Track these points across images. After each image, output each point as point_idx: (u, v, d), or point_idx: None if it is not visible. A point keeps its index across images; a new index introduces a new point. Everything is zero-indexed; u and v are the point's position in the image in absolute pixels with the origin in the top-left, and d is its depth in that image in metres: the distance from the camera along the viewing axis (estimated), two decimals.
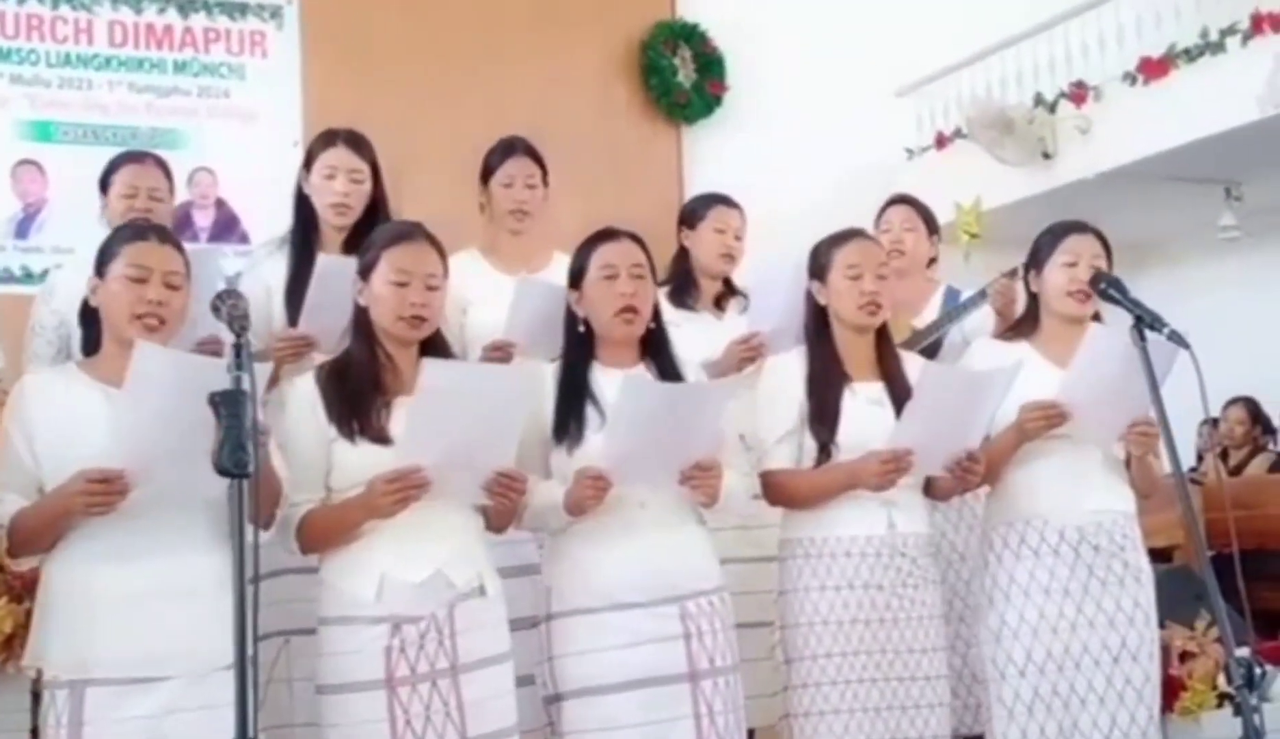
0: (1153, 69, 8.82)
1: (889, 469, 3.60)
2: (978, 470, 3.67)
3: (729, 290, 4.70)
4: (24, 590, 5.01)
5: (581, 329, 3.57)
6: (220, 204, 8.17)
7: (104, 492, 2.96)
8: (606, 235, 3.61)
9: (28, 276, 7.25)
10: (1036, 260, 3.92)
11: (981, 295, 4.60)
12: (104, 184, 4.35)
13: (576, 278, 3.59)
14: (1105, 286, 3.66)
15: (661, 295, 3.84)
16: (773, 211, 7.74)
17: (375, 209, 4.23)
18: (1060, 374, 3.78)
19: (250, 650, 2.57)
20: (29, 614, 5.04)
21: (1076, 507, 3.79)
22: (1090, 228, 3.92)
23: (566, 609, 3.46)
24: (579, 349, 3.57)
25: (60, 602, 3.12)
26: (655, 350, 3.60)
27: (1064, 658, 3.73)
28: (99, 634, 3.05)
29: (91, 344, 3.29)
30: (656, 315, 3.62)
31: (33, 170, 7.58)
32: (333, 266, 3.94)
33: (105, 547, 3.06)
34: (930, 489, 3.84)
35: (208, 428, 2.67)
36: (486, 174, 4.51)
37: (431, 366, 3.17)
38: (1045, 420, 3.71)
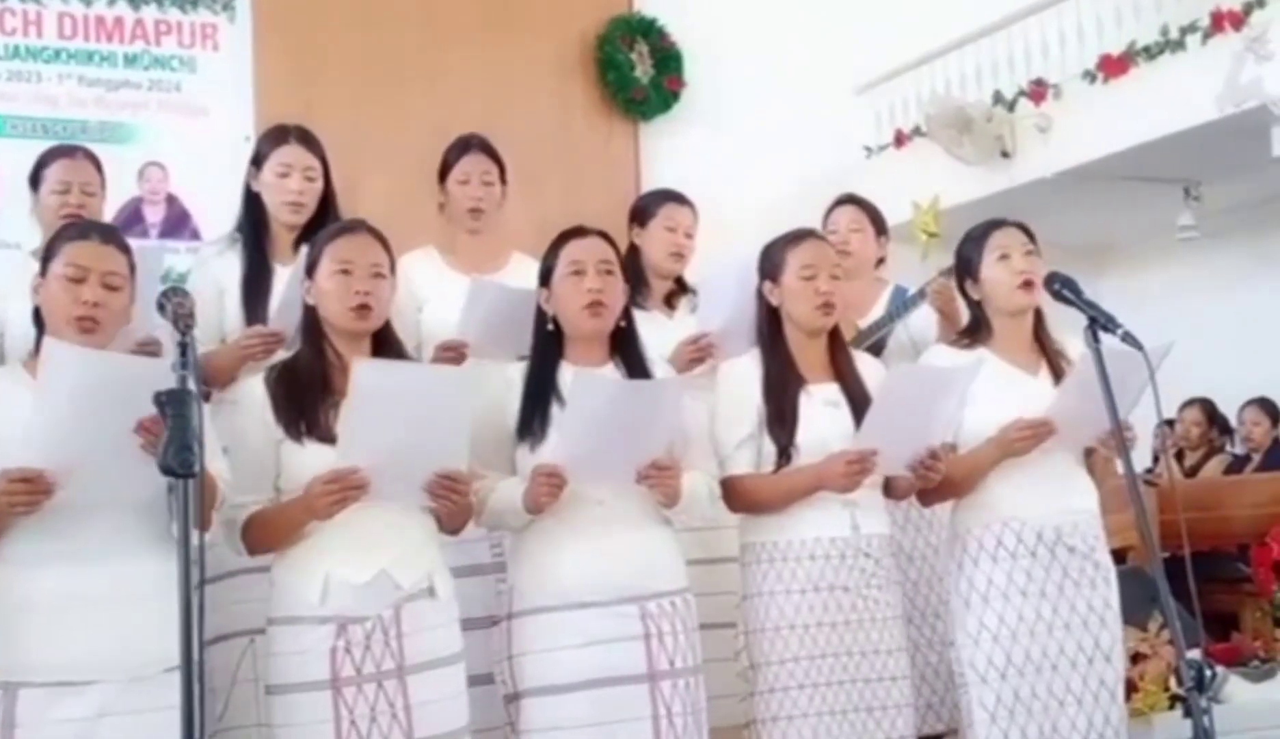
0: (1113, 67, 8.83)
1: (855, 470, 3.59)
2: (939, 467, 3.66)
3: (680, 288, 4.67)
4: None
5: (550, 328, 3.56)
6: (171, 199, 8.09)
7: (26, 492, 2.91)
8: (575, 233, 3.60)
9: None
10: (969, 268, 3.90)
11: (920, 295, 4.58)
12: (34, 180, 4.28)
13: (546, 276, 3.58)
14: (1059, 287, 3.63)
15: None
16: (731, 209, 7.77)
17: (326, 206, 4.19)
18: (1025, 375, 3.80)
19: (196, 654, 2.54)
20: None
21: (1052, 507, 3.78)
22: (1009, 221, 3.91)
23: (526, 608, 3.45)
24: (547, 347, 3.56)
25: None
26: (624, 349, 3.59)
27: (1042, 660, 3.73)
28: (31, 636, 3.00)
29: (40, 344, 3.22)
30: (627, 314, 3.61)
31: None
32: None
33: (38, 549, 3.01)
34: (888, 489, 3.82)
35: (136, 426, 2.61)
36: (444, 172, 4.47)
37: (363, 366, 3.15)
38: (1035, 439, 3.69)
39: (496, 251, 4.44)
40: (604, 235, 3.62)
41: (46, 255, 3.18)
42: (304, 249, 3.95)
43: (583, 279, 3.51)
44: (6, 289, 4.06)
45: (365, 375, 3.11)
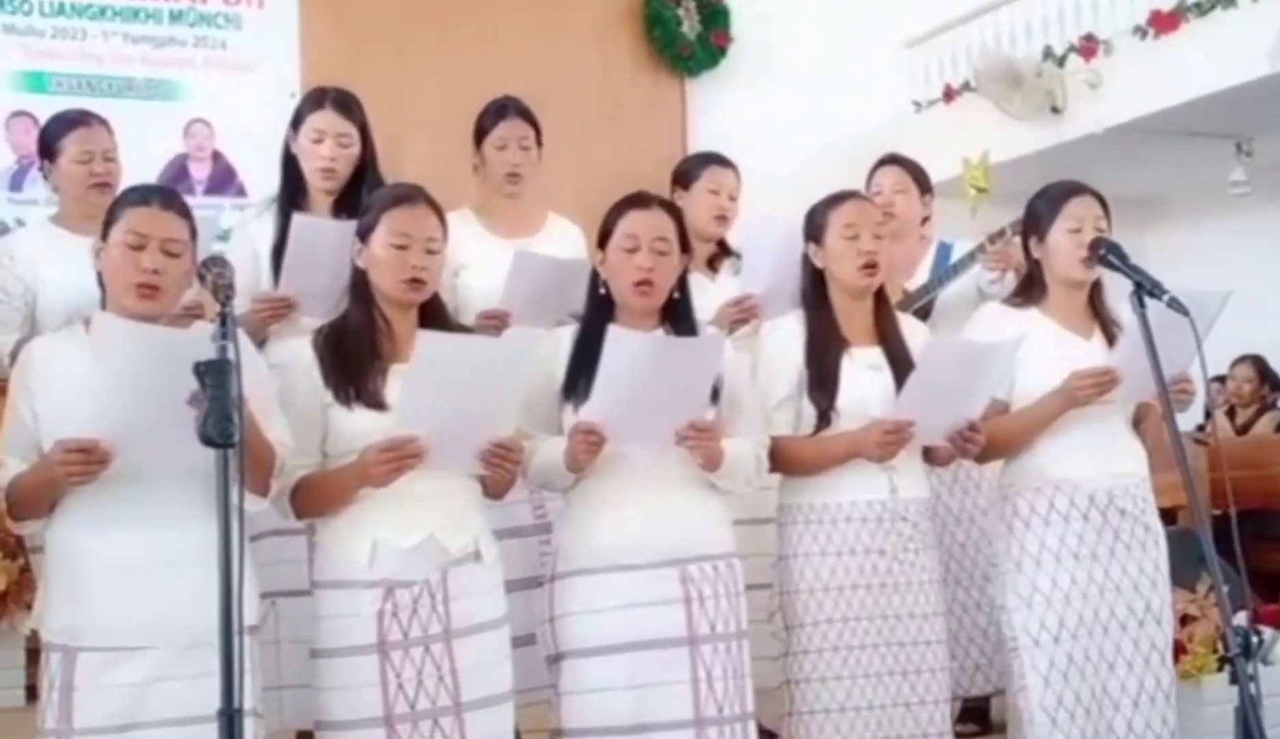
0: (1163, 23, 8.73)
1: (891, 440, 3.58)
2: (978, 440, 3.65)
3: (723, 251, 4.65)
4: (17, 547, 5.02)
5: (603, 292, 3.55)
6: (217, 156, 8.10)
7: (82, 461, 2.93)
8: (636, 202, 3.56)
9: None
10: (1037, 227, 3.86)
11: (971, 257, 4.55)
12: (47, 150, 4.25)
13: (602, 239, 3.56)
14: (1105, 252, 3.59)
15: None
16: (780, 165, 7.72)
17: (364, 171, 4.17)
18: (1079, 339, 3.78)
19: (237, 621, 2.56)
20: (22, 571, 5.06)
21: (1105, 470, 3.77)
22: (1089, 189, 3.86)
23: (569, 569, 3.46)
24: (599, 310, 3.55)
25: (56, 566, 3.12)
26: (675, 318, 3.57)
27: (1094, 623, 3.72)
28: (89, 601, 3.04)
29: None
30: (683, 283, 3.58)
31: (27, 122, 7.51)
32: (308, 226, 3.90)
33: (98, 514, 3.04)
34: (928, 455, 3.81)
35: (189, 395, 2.63)
36: (479, 135, 4.45)
37: (427, 338, 3.16)
38: (1098, 387, 3.67)
39: (532, 214, 4.43)
40: (667, 206, 3.59)
41: (108, 221, 3.17)
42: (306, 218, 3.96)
43: (635, 256, 3.48)
44: (38, 254, 4.08)
45: (428, 346, 3.13)
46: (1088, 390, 3.66)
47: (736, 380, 3.56)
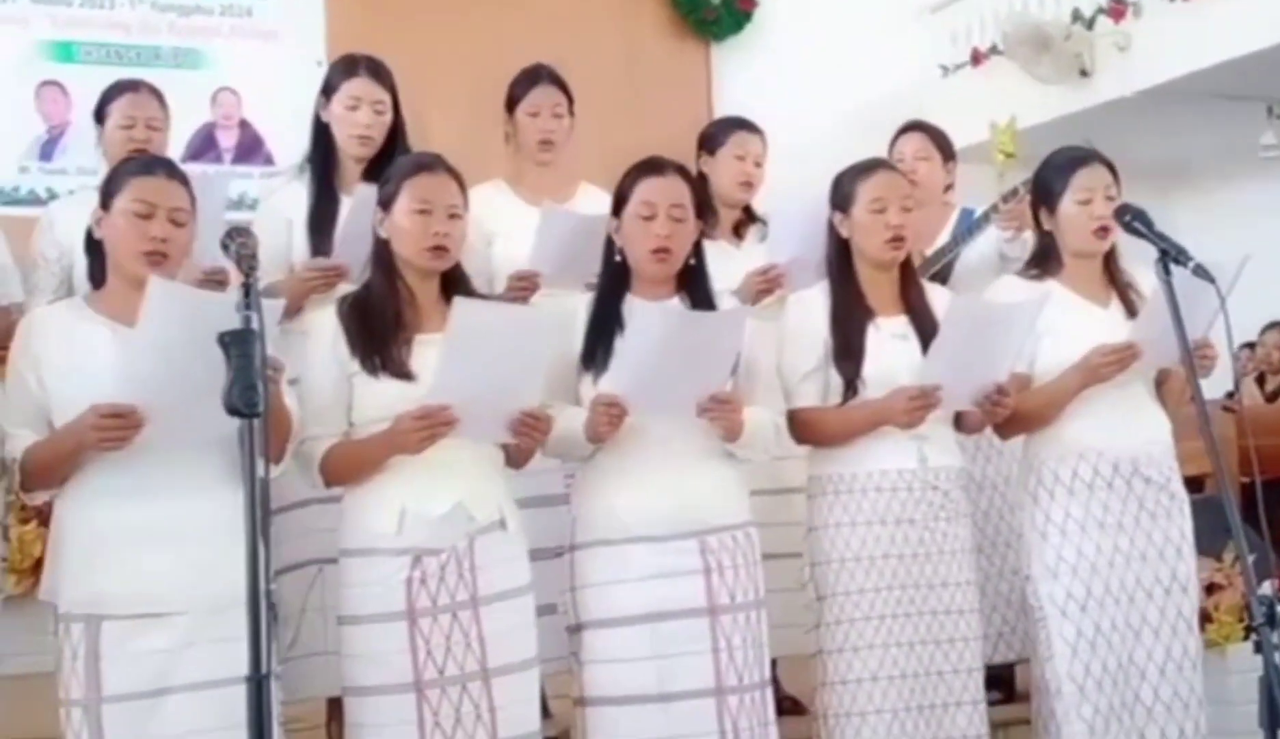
0: None
1: (917, 406, 3.57)
2: (1007, 404, 3.63)
3: (748, 218, 4.63)
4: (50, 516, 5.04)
5: (618, 259, 3.54)
6: (244, 125, 8.11)
7: (117, 427, 2.95)
8: (652, 167, 3.55)
9: (53, 199, 7.21)
10: (1047, 198, 3.84)
11: (986, 218, 4.54)
12: (99, 114, 4.30)
13: (617, 206, 3.55)
14: (1130, 219, 3.57)
15: None
16: (806, 130, 7.69)
17: (395, 139, 4.18)
18: (1098, 309, 3.78)
19: (263, 587, 2.57)
20: None
21: (1129, 438, 3.77)
22: (1097, 156, 3.84)
23: (589, 540, 3.47)
24: (614, 279, 3.55)
25: (72, 537, 3.13)
26: (691, 284, 3.57)
27: (1120, 592, 3.73)
28: (111, 570, 3.05)
29: (97, 276, 3.26)
30: (698, 250, 3.58)
31: (55, 91, 7.55)
32: (370, 198, 3.91)
33: (116, 483, 3.06)
34: (958, 423, 3.80)
35: (217, 366, 2.64)
36: (511, 103, 4.44)
37: (463, 306, 3.18)
38: (1119, 364, 3.66)
39: (565, 182, 4.42)
40: (682, 171, 3.58)
41: (109, 189, 3.19)
42: (360, 184, 3.97)
43: (652, 224, 3.48)
44: (77, 221, 4.10)
45: (464, 315, 3.14)
46: (1110, 368, 3.66)
47: (754, 349, 3.55)
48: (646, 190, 3.50)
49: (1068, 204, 3.79)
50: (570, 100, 4.45)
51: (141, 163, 3.28)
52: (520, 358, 3.20)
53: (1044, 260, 3.89)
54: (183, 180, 3.21)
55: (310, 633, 3.94)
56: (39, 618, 4.63)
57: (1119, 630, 3.71)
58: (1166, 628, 3.74)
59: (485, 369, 3.13)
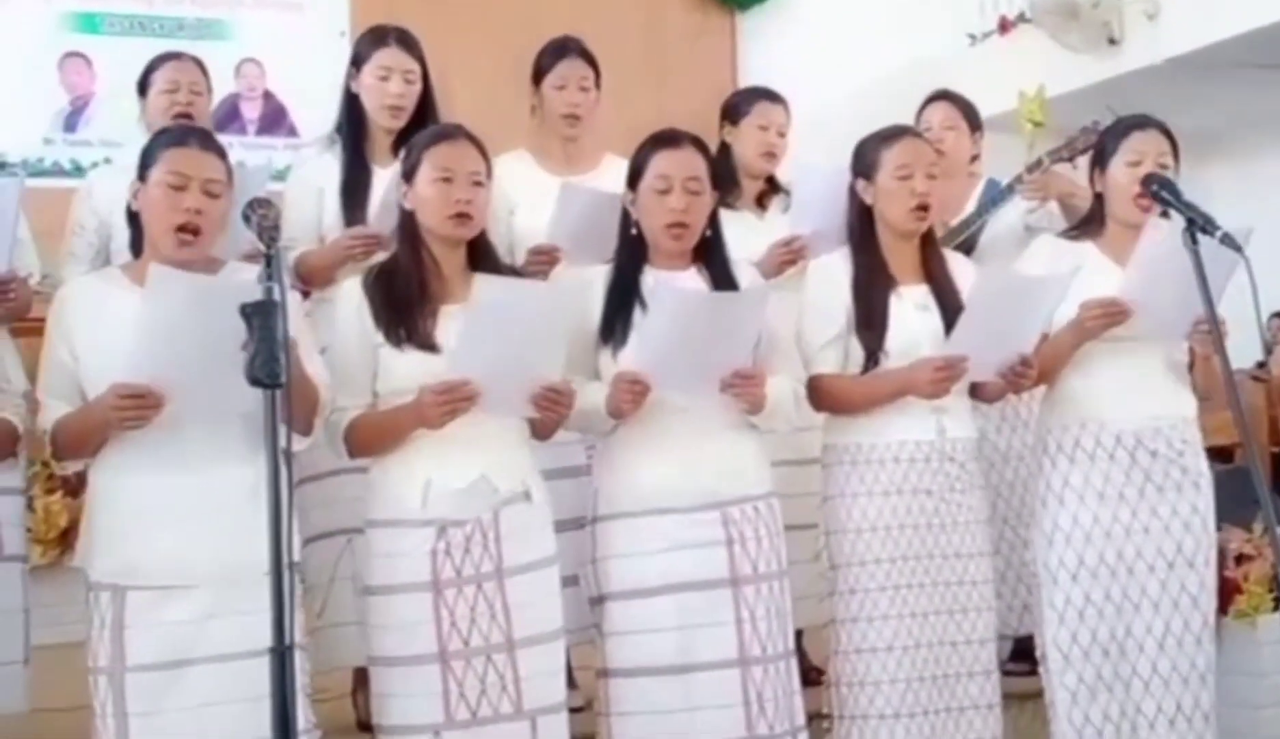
0: None
1: (942, 376, 3.55)
2: (1030, 374, 3.62)
3: (772, 188, 4.62)
4: (80, 486, 5.08)
5: (634, 232, 3.54)
6: (268, 96, 8.10)
7: (135, 406, 2.97)
8: (667, 140, 3.55)
9: (77, 170, 7.19)
10: (1101, 159, 3.82)
11: (1010, 189, 4.51)
12: (142, 86, 4.32)
13: (633, 179, 3.55)
14: (1157, 188, 3.54)
15: None
16: (832, 101, 7.64)
17: (425, 109, 4.19)
18: (1122, 273, 3.71)
19: (286, 559, 2.58)
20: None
21: (1135, 411, 3.73)
22: (1155, 123, 3.80)
23: (611, 512, 3.48)
24: (631, 251, 3.55)
25: (103, 507, 3.15)
26: (708, 256, 3.56)
27: (1117, 564, 3.71)
28: (138, 541, 3.07)
29: (137, 248, 3.27)
30: (714, 221, 3.57)
31: (79, 63, 7.54)
32: None
33: (144, 456, 3.07)
34: (977, 392, 3.78)
35: (235, 343, 2.65)
36: (538, 75, 4.43)
37: (485, 282, 3.19)
38: (1106, 318, 3.64)
39: (589, 154, 4.41)
40: (697, 143, 3.57)
41: (144, 161, 3.19)
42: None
43: (668, 198, 3.47)
44: (117, 190, 4.10)
45: (487, 291, 3.15)
46: (1096, 321, 3.63)
47: (774, 319, 3.54)
48: (662, 163, 3.50)
49: (1117, 165, 3.77)
50: (597, 73, 4.44)
51: (175, 134, 3.27)
52: (541, 333, 3.21)
53: (1089, 221, 3.88)
54: (218, 152, 3.20)
55: (338, 603, 3.98)
56: (66, 588, 4.66)
57: (1114, 602, 3.70)
58: (1167, 602, 3.71)
59: (506, 345, 3.14)
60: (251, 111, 8.05)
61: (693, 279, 3.53)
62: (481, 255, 3.39)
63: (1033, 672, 4.19)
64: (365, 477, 3.53)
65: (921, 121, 4.73)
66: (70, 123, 7.55)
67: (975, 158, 4.83)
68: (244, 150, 6.67)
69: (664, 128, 3.59)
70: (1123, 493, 3.72)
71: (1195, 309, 3.47)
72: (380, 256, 3.70)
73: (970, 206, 4.68)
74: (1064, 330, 3.70)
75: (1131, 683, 3.70)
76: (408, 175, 3.37)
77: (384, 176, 4.00)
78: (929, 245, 3.80)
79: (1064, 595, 3.71)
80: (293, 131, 7.87)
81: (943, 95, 4.84)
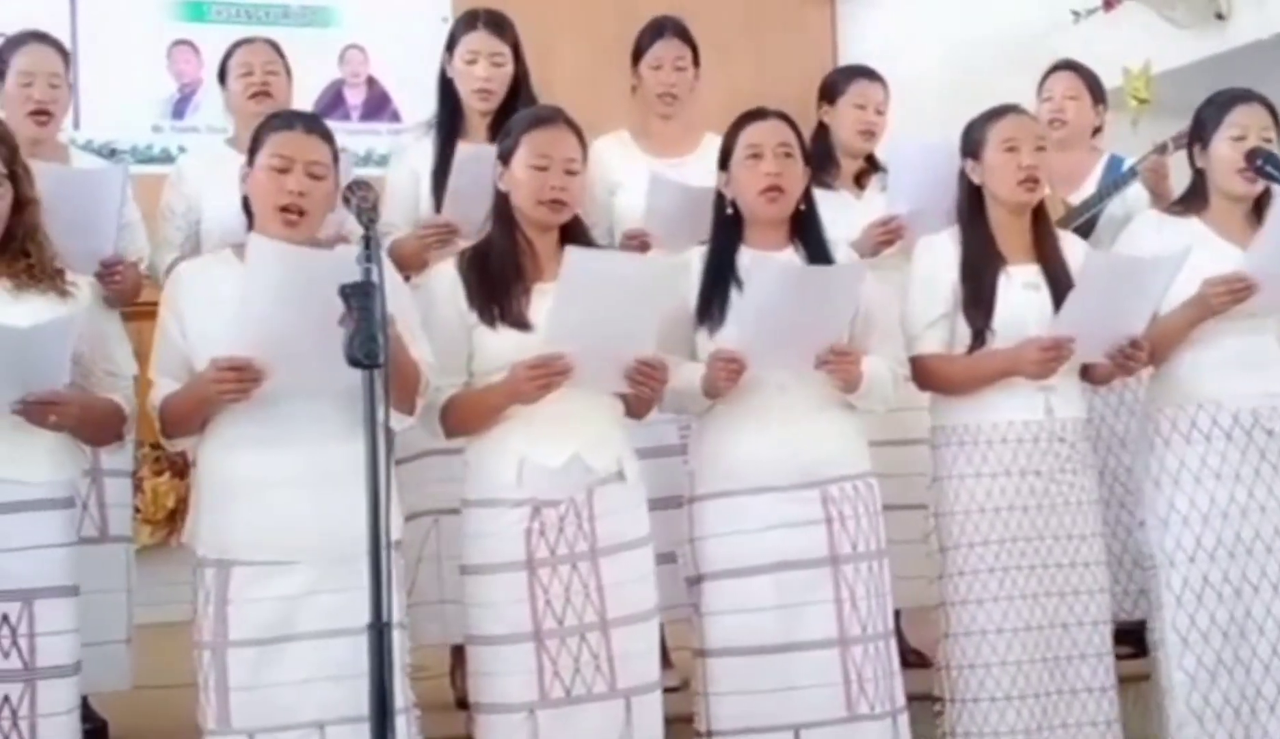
0: None
1: (1049, 357, 3.53)
2: (1140, 357, 3.59)
3: (870, 167, 4.59)
4: (186, 467, 5.18)
5: (729, 211, 3.54)
6: (371, 82, 8.14)
7: (236, 379, 3.01)
8: (753, 115, 3.57)
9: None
10: (1201, 134, 3.76)
11: (1132, 173, 4.43)
12: (222, 74, 4.37)
13: (724, 159, 3.56)
14: (1262, 163, 3.49)
15: None
16: (933, 79, 7.56)
17: (518, 91, 4.20)
18: (1236, 251, 3.67)
19: (385, 538, 2.62)
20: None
21: (1250, 389, 3.68)
22: (1256, 96, 3.74)
23: (708, 492, 3.48)
24: (726, 231, 3.55)
25: (208, 484, 3.20)
26: (804, 232, 3.55)
27: (1235, 544, 3.66)
28: (242, 517, 3.12)
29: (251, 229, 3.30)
30: (808, 196, 3.57)
31: (187, 51, 7.62)
32: (472, 154, 3.95)
33: (248, 432, 3.11)
34: (1087, 373, 3.74)
35: (335, 317, 2.69)
36: (636, 56, 4.44)
37: (574, 254, 3.19)
38: (1231, 295, 3.58)
39: (689, 134, 4.40)
40: (784, 116, 3.57)
41: (253, 146, 3.25)
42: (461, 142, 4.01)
43: (760, 163, 3.48)
44: (205, 174, 4.17)
45: (576, 263, 3.16)
46: (1221, 298, 3.58)
47: (872, 298, 3.53)
48: (752, 134, 3.52)
49: (1220, 140, 3.72)
50: (695, 52, 4.44)
51: (282, 118, 3.32)
52: (634, 306, 3.21)
53: (1191, 197, 3.82)
54: (323, 135, 3.24)
55: (425, 582, 4.00)
56: (172, 568, 4.76)
57: (1232, 584, 3.65)
58: None
59: (599, 317, 3.14)
60: (355, 97, 8.08)
61: (790, 257, 3.52)
62: (574, 236, 3.40)
63: (1135, 655, 4.14)
64: (451, 458, 3.57)
65: (1044, 91, 4.71)
66: (178, 110, 7.63)
67: (1098, 130, 4.76)
68: (347, 136, 6.67)
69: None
70: (1239, 473, 3.66)
71: None
72: (463, 242, 3.72)
73: (1092, 180, 4.62)
74: (1182, 307, 3.64)
75: (1251, 666, 3.65)
76: (504, 157, 3.39)
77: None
78: (1041, 224, 3.76)
79: (1182, 578, 3.66)
80: (395, 117, 7.88)
81: (1066, 65, 4.78)
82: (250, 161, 3.23)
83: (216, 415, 3.14)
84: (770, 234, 3.53)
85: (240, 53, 4.34)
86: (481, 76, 4.16)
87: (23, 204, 3.18)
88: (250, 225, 3.28)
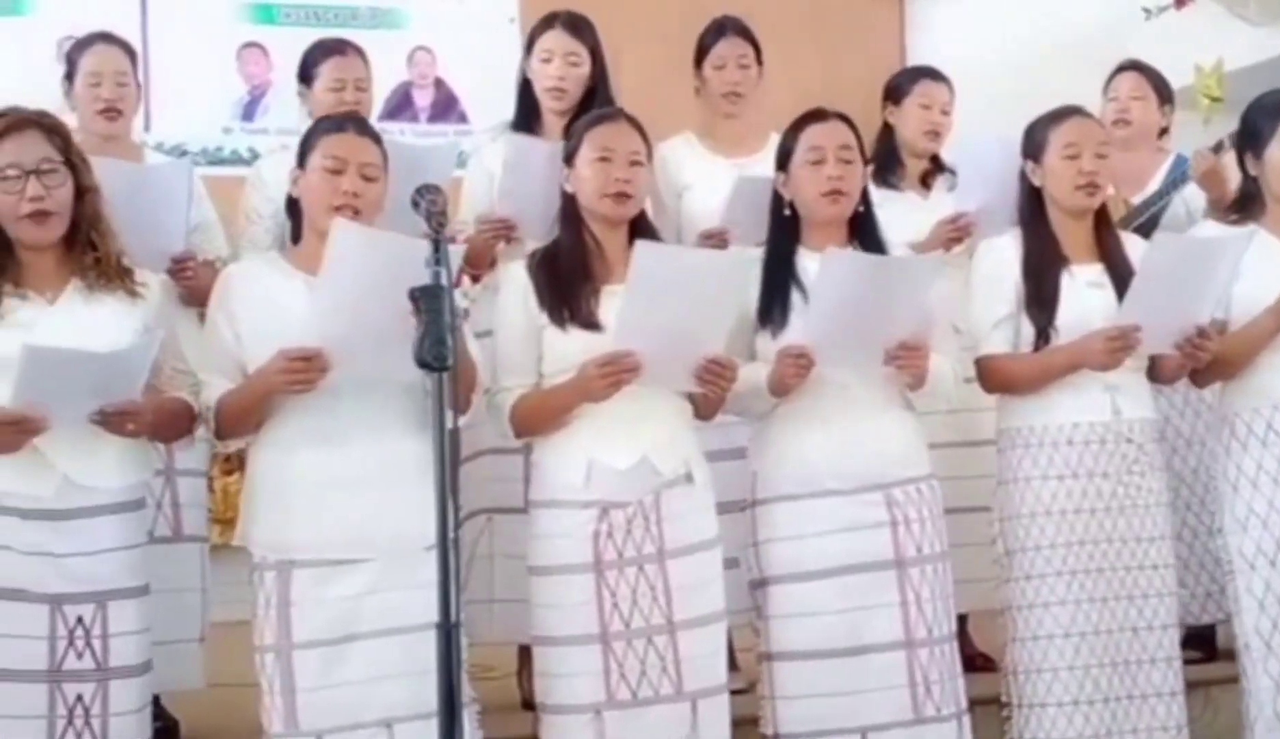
0: None
1: (1115, 347, 3.49)
2: (1209, 346, 3.54)
3: (935, 167, 4.57)
4: None
5: (787, 212, 3.53)
6: (439, 84, 8.17)
7: (303, 369, 3.02)
8: (814, 116, 3.56)
9: (255, 158, 7.34)
10: (1254, 141, 3.71)
11: (1186, 174, 4.39)
12: (305, 76, 4.34)
13: (783, 160, 3.55)
14: None
15: None
16: (1001, 78, 7.50)
17: (595, 92, 4.20)
18: None
19: (453, 540, 2.62)
20: None
21: None
22: None
23: (771, 495, 3.48)
24: (785, 232, 3.54)
25: (264, 484, 3.21)
26: (862, 233, 3.54)
27: None
28: (301, 516, 3.13)
29: (296, 234, 3.35)
30: (865, 198, 3.56)
31: (256, 53, 7.68)
32: (520, 148, 3.96)
33: (306, 430, 3.13)
34: (1155, 372, 3.70)
35: (404, 311, 2.69)
36: (700, 56, 4.44)
37: (645, 249, 3.20)
38: None
39: (754, 133, 4.39)
40: (844, 118, 3.56)
41: (304, 149, 3.27)
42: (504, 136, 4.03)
43: (822, 167, 3.47)
44: (284, 180, 4.18)
45: (646, 259, 3.16)
46: None
47: (935, 298, 3.48)
48: (813, 136, 3.50)
49: (1275, 146, 3.67)
50: (758, 51, 4.44)
51: (334, 121, 3.35)
52: (704, 304, 3.20)
53: (1247, 204, 3.78)
54: (374, 137, 3.27)
55: (478, 579, 4.03)
56: (243, 567, 4.80)
57: None
58: None
59: (668, 314, 3.14)
60: (423, 99, 8.11)
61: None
62: (642, 235, 3.38)
63: (1205, 660, 4.10)
64: (504, 458, 3.58)
65: (1109, 90, 4.67)
66: (248, 112, 7.70)
67: (1164, 131, 4.71)
68: (415, 138, 6.76)
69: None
70: None
71: None
72: (532, 243, 3.72)
73: (1156, 181, 4.58)
74: (1264, 315, 3.60)
75: None
76: (569, 158, 3.41)
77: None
78: (1103, 224, 3.73)
79: (1263, 582, 3.62)
80: (463, 118, 7.92)
81: (1132, 65, 4.73)
82: (300, 163, 3.25)
83: (273, 414, 3.16)
84: (829, 234, 3.51)
85: (332, 65, 4.25)
86: (555, 75, 4.16)
87: (82, 192, 3.18)
88: (295, 229, 3.31)
